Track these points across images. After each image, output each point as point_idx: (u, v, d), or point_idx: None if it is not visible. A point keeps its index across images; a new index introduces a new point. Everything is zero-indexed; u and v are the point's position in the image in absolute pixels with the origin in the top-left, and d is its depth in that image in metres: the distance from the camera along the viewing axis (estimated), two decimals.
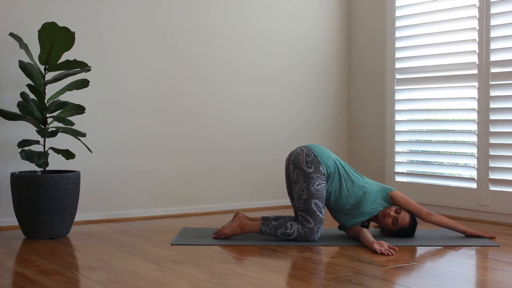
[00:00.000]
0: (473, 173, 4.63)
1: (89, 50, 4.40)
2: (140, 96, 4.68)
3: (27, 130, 4.14)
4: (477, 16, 4.57)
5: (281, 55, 5.34)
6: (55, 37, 3.84)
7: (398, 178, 5.16)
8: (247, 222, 3.79)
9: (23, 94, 3.91)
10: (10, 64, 4.14)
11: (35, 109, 3.92)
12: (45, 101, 3.94)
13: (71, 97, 4.17)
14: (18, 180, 3.84)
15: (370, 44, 5.46)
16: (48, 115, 3.99)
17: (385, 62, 5.27)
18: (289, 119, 5.38)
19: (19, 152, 3.87)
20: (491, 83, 4.51)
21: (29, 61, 3.98)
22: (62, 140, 4.15)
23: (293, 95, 5.41)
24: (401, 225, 3.74)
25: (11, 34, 3.94)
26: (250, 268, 3.11)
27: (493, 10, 4.49)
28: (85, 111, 4.06)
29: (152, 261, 3.24)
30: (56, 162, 4.15)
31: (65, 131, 3.95)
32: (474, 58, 4.61)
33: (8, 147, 4.15)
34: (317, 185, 3.65)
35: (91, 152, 4.12)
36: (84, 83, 4.03)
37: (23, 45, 3.91)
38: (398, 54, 5.18)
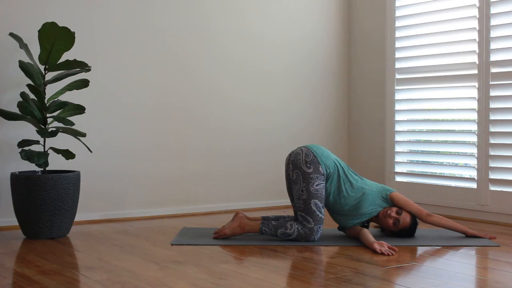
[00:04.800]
0: (473, 173, 4.63)
1: (89, 50, 4.40)
2: (140, 96, 4.68)
3: (27, 130, 4.14)
4: (477, 16, 4.57)
5: (282, 58, 5.34)
6: (55, 37, 3.84)
7: (398, 178, 5.16)
8: (247, 222, 3.79)
9: (23, 94, 3.92)
10: (10, 64, 4.14)
11: (35, 109, 3.92)
12: (45, 101, 3.94)
13: (71, 97, 4.17)
14: (18, 180, 3.84)
15: (370, 44, 5.46)
16: (48, 115, 3.99)
17: (385, 62, 5.27)
18: (290, 120, 5.38)
19: (19, 152, 3.87)
20: (491, 83, 4.51)
21: (29, 61, 3.98)
22: (62, 140, 4.15)
23: (294, 97, 5.40)
24: (402, 226, 3.74)
25: (11, 34, 3.94)
26: (250, 268, 3.11)
27: (493, 10, 4.49)
28: (85, 111, 4.06)
29: (152, 261, 3.24)
30: (56, 162, 4.15)
31: (65, 131, 3.95)
32: (474, 58, 4.61)
33: (8, 147, 4.15)
34: (316, 185, 3.65)
35: (91, 152, 4.12)
36: (84, 83, 4.03)
37: (23, 45, 3.91)
38: (398, 54, 5.18)
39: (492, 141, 4.51)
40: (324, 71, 5.57)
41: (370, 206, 3.73)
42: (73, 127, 4.03)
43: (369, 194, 3.74)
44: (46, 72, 3.98)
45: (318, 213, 3.65)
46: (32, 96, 3.97)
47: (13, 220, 4.06)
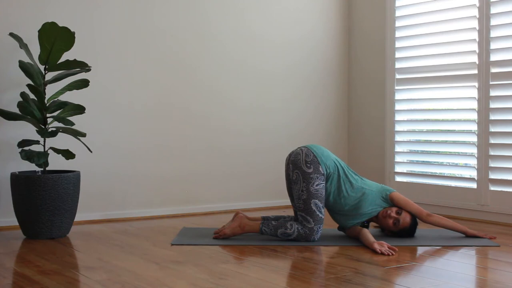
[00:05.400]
0: (473, 173, 4.63)
1: (89, 50, 4.40)
2: (140, 96, 4.68)
3: (27, 130, 4.14)
4: (477, 16, 4.57)
5: (282, 58, 5.33)
6: (55, 37, 3.84)
7: (398, 178, 5.16)
8: (247, 222, 3.79)
9: (23, 94, 3.92)
10: (10, 64, 4.14)
11: (35, 109, 3.92)
12: (45, 101, 3.94)
13: (71, 97, 4.17)
14: (18, 180, 3.84)
15: (370, 45, 5.46)
16: (48, 115, 3.99)
17: (385, 62, 5.27)
18: (290, 120, 5.38)
19: (19, 152, 3.87)
20: (491, 83, 4.51)
21: (29, 61, 3.98)
22: (62, 140, 4.15)
23: (294, 97, 5.40)
24: (402, 226, 3.74)
25: (11, 34, 3.94)
26: (250, 268, 3.11)
27: (493, 10, 4.49)
28: (85, 111, 4.06)
29: (152, 261, 3.24)
30: (56, 162, 4.15)
31: (65, 131, 3.96)
32: (474, 58, 4.61)
33: (8, 147, 4.15)
34: (316, 185, 3.65)
35: (91, 152, 4.12)
36: (84, 83, 4.03)
37: (23, 45, 3.91)
38: (398, 54, 5.18)
39: (492, 141, 4.51)
40: (324, 71, 5.57)
41: (370, 206, 3.73)
42: (73, 127, 4.03)
43: (369, 194, 3.74)
44: (46, 72, 3.98)
45: (318, 213, 3.65)
46: (32, 96, 3.97)
47: (13, 220, 4.06)
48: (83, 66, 3.95)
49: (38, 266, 3.13)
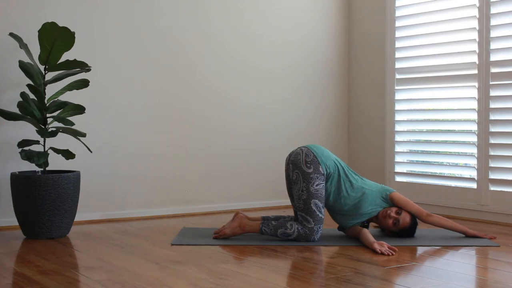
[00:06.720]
0: (473, 173, 4.63)
1: (89, 50, 4.40)
2: (140, 96, 4.68)
3: (27, 130, 4.14)
4: (477, 16, 4.57)
5: (282, 58, 5.33)
6: (55, 37, 3.84)
7: (398, 178, 5.16)
8: (247, 222, 3.79)
9: (23, 94, 3.92)
10: (10, 64, 4.14)
11: (35, 109, 3.92)
12: (45, 101, 3.94)
13: (71, 97, 4.17)
14: (18, 180, 3.84)
15: (370, 45, 5.46)
16: (48, 115, 3.99)
17: (385, 62, 5.27)
18: (290, 120, 5.38)
19: (19, 152, 3.87)
20: (491, 83, 4.51)
21: (29, 61, 3.98)
22: (62, 140, 4.15)
23: (294, 97, 5.40)
24: (402, 225, 3.74)
25: (11, 34, 3.94)
26: (250, 268, 3.11)
27: (493, 10, 4.49)
28: (85, 111, 4.06)
29: (152, 261, 3.24)
30: (56, 162, 4.15)
31: (65, 131, 3.96)
32: (474, 58, 4.61)
33: (8, 147, 4.16)
34: (316, 185, 3.65)
35: (91, 152, 4.12)
36: (84, 83, 4.03)
37: (23, 45, 3.91)
38: (398, 54, 5.18)
39: (492, 141, 4.51)
40: (324, 71, 5.57)
41: (370, 206, 3.73)
42: (73, 127, 4.03)
43: (369, 194, 3.74)
44: (46, 72, 3.98)
45: (318, 213, 3.65)
46: (32, 96, 3.97)
47: (13, 220, 4.06)
48: (83, 66, 3.95)
49: (38, 266, 3.13)
